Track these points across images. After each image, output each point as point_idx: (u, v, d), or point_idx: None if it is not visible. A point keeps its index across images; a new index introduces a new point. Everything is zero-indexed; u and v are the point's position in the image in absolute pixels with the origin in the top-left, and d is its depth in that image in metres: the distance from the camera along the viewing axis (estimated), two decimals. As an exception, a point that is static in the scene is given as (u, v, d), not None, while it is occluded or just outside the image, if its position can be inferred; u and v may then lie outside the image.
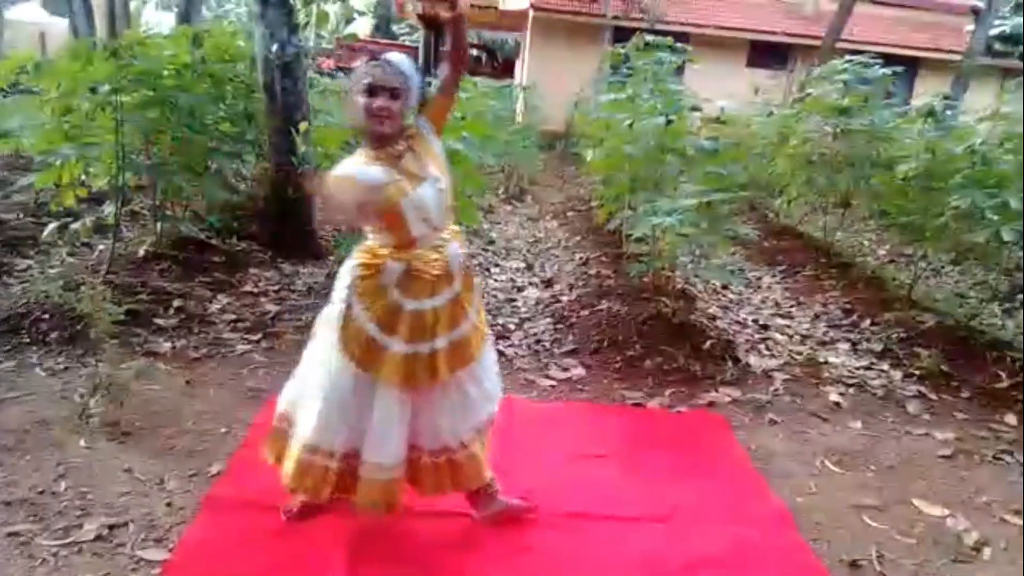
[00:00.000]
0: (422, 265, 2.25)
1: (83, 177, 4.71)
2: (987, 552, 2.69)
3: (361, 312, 2.29)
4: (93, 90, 4.34)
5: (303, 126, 5.00)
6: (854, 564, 2.58)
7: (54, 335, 3.80)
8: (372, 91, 2.18)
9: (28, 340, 3.78)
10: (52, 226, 4.61)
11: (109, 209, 4.70)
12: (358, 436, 2.35)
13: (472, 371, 2.43)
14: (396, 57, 2.23)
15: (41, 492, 2.61)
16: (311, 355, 2.46)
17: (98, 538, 2.41)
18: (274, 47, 5.08)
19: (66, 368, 3.57)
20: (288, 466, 2.42)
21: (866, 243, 7.81)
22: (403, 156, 2.24)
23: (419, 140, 2.30)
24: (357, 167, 2.23)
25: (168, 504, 2.62)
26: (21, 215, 5.68)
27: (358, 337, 2.29)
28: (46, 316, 3.92)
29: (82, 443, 2.92)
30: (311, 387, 2.41)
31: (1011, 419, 3.78)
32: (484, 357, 2.49)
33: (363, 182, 2.17)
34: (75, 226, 4.58)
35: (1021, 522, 2.89)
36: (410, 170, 2.23)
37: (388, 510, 2.40)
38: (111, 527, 2.46)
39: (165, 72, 4.78)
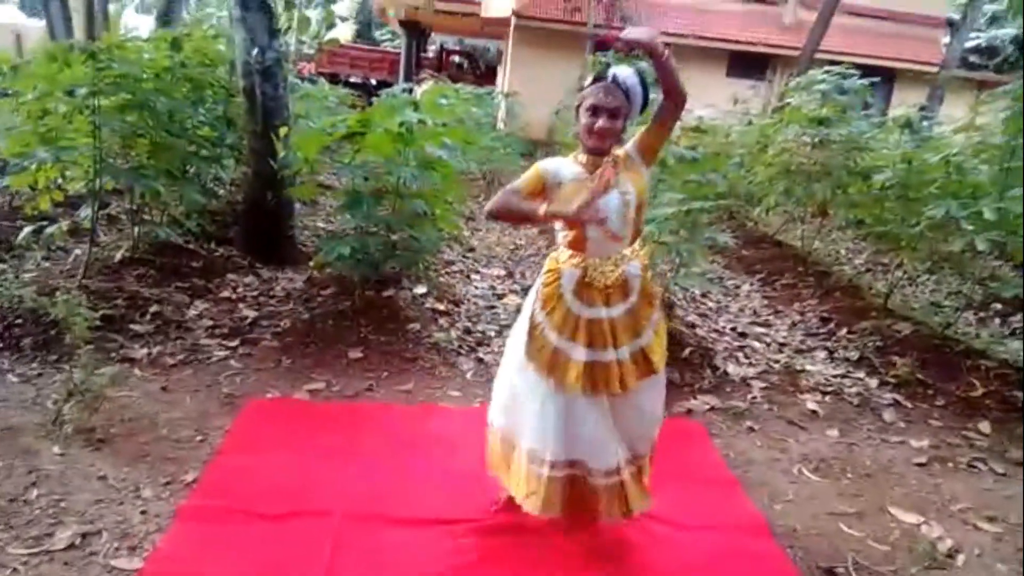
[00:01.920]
0: (596, 274, 2.38)
1: (59, 181, 4.65)
2: (960, 559, 2.72)
3: (543, 319, 2.43)
4: (70, 93, 4.29)
5: (283, 131, 4.97)
6: (830, 571, 2.61)
7: (28, 341, 3.75)
8: (595, 111, 2.33)
9: (1, 346, 3.72)
10: (27, 230, 4.55)
11: (85, 213, 4.64)
12: (576, 445, 2.43)
13: (651, 382, 2.51)
14: (623, 73, 2.33)
15: (12, 500, 2.57)
16: (509, 365, 2.58)
17: (70, 547, 2.37)
18: (254, 52, 5.04)
19: (40, 374, 3.53)
20: (516, 480, 2.54)
21: (843, 252, 7.87)
22: (606, 166, 2.35)
23: (627, 160, 2.41)
24: (553, 162, 2.45)
25: (142, 512, 2.59)
26: (-5, 218, 5.59)
27: (542, 346, 2.42)
28: (20, 321, 3.86)
29: (55, 450, 2.88)
30: (517, 397, 2.53)
31: (985, 427, 3.83)
32: (660, 377, 2.55)
33: (545, 174, 2.39)
34: (50, 230, 4.53)
35: (998, 529, 2.93)
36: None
37: (624, 515, 2.50)
38: (84, 535, 2.43)
39: (144, 75, 4.73)
